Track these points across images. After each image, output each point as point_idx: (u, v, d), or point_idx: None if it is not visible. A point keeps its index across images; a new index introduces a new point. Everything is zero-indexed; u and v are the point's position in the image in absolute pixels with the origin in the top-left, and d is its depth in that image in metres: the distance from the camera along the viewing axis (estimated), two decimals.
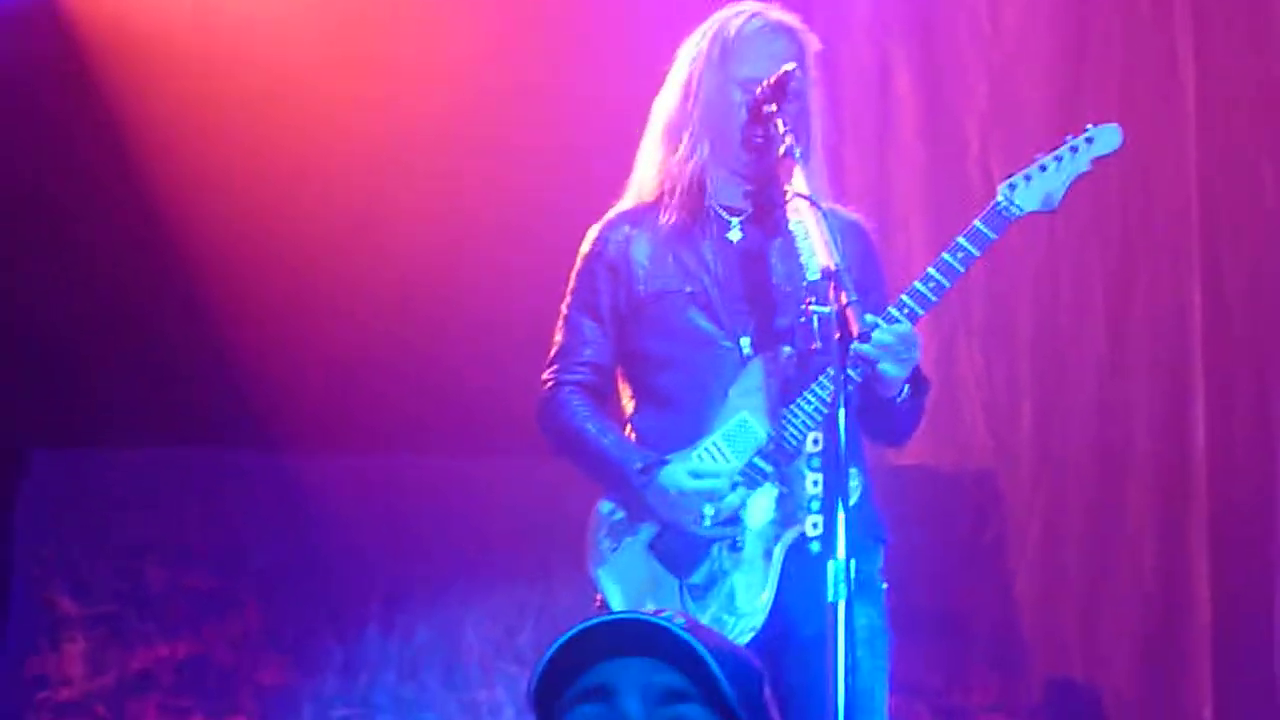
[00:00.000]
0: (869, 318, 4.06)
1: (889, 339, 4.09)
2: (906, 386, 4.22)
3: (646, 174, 4.52)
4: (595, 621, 2.28)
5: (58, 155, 6.49)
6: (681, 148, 4.46)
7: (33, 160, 6.45)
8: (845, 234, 4.31)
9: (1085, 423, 6.32)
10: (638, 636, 2.28)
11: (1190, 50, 6.27)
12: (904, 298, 4.21)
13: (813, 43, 4.45)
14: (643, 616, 2.29)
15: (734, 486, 4.35)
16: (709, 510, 4.31)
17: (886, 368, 4.13)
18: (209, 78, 6.46)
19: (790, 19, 4.44)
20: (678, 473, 4.33)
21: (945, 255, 4.23)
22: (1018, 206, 4.28)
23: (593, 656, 2.28)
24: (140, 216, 6.47)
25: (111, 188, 6.47)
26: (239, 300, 6.43)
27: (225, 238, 6.44)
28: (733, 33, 4.41)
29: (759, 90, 4.30)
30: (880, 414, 4.28)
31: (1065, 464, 6.31)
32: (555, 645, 2.26)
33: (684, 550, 4.35)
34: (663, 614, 2.29)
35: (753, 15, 4.43)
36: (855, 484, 4.04)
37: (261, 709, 6.09)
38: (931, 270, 4.22)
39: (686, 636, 2.25)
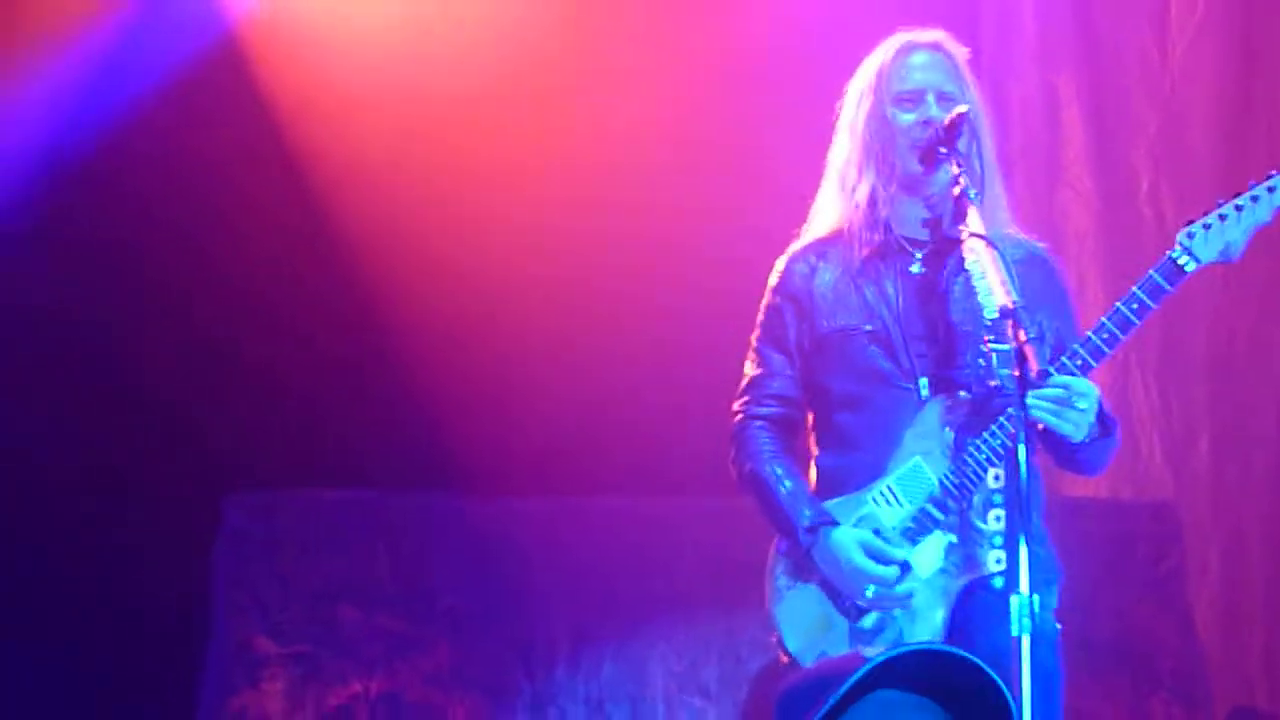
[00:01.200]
0: (1053, 374, 4.08)
1: (1059, 391, 4.05)
2: (1094, 427, 4.15)
3: (826, 210, 4.54)
4: (878, 660, 2.30)
5: (253, 217, 6.69)
6: (852, 175, 4.48)
7: (230, 221, 6.68)
8: (1026, 263, 4.30)
9: (1263, 454, 6.26)
10: (910, 673, 2.31)
11: None
12: (1077, 348, 4.16)
13: (959, 51, 4.47)
14: (918, 650, 2.37)
15: (904, 558, 4.29)
16: (870, 592, 4.28)
17: (1058, 424, 4.07)
18: (408, 137, 6.67)
19: (934, 34, 4.48)
20: (849, 543, 4.30)
21: (1120, 305, 4.16)
22: (1195, 258, 4.18)
23: (856, 688, 2.30)
24: (337, 272, 6.66)
25: (308, 244, 6.70)
26: (431, 348, 6.55)
27: (418, 289, 6.58)
28: (879, 59, 4.46)
29: (932, 130, 4.32)
30: (1069, 453, 4.24)
31: (1244, 495, 6.25)
32: (852, 680, 2.28)
33: None
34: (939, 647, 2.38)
35: (896, 40, 4.47)
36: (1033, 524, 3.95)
37: None
38: (1105, 320, 4.16)
39: (982, 673, 2.31)
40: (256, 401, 6.64)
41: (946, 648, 2.32)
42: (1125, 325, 4.16)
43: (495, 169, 6.61)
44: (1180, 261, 4.16)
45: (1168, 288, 4.16)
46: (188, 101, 6.63)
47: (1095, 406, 4.14)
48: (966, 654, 2.30)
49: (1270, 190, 4.18)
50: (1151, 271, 4.16)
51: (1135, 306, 4.16)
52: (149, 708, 6.38)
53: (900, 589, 4.25)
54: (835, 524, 4.30)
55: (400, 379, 6.62)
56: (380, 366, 6.68)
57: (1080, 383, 4.08)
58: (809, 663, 4.26)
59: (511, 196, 6.58)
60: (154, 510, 6.44)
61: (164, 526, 6.38)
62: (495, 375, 6.47)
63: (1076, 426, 4.08)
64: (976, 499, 4.25)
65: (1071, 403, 4.05)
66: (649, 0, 6.69)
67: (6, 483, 6.60)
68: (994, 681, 2.32)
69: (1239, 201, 4.18)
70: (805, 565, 4.37)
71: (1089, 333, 4.17)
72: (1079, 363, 4.14)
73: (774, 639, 4.40)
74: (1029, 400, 3.83)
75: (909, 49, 4.43)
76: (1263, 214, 4.18)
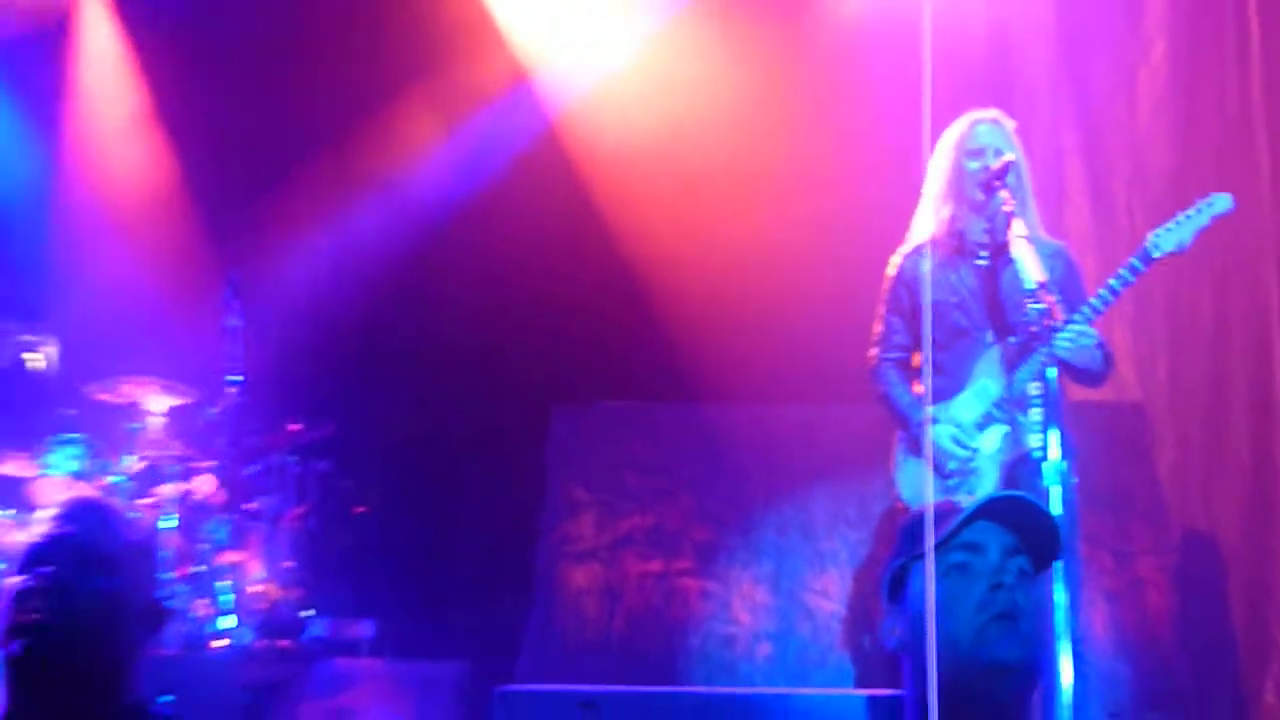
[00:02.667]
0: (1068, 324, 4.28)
1: (1073, 334, 4.24)
2: (1099, 359, 4.37)
3: (924, 224, 4.72)
4: (977, 504, 2.28)
5: (569, 233, 6.97)
6: (938, 202, 4.62)
7: (557, 234, 6.96)
8: (1054, 256, 4.52)
9: (1202, 372, 6.06)
10: (996, 511, 2.29)
11: (1264, 138, 5.89)
12: (1083, 307, 4.35)
13: (1009, 123, 4.64)
14: (1002, 496, 2.31)
15: (975, 445, 4.38)
16: (953, 464, 4.41)
17: (1072, 354, 4.23)
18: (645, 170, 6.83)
19: (992, 112, 4.65)
20: (942, 434, 4.45)
21: (1111, 280, 4.34)
22: (1159, 249, 4.29)
23: (965, 521, 2.29)
24: (624, 272, 6.83)
25: (593, 242, 6.88)
26: (682, 322, 6.62)
27: (672, 285, 6.67)
28: (958, 128, 4.64)
29: (989, 172, 4.41)
30: (1082, 374, 4.43)
31: (1190, 398, 6.11)
32: (962, 516, 2.27)
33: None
34: (1013, 496, 2.33)
35: (968, 116, 4.63)
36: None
37: (695, 555, 6.21)
38: (1102, 290, 4.36)
39: (1041, 511, 2.30)
40: (574, 351, 6.91)
41: (1018, 493, 2.26)
42: (1114, 293, 4.34)
43: (724, 201, 6.76)
44: (1150, 250, 4.30)
45: (1141, 268, 4.33)
46: (523, 174, 7.00)
47: (1095, 344, 4.37)
48: (1029, 496, 2.26)
49: (1209, 204, 4.33)
50: (1131, 258, 4.35)
51: (1120, 281, 4.32)
52: (510, 529, 6.61)
53: (972, 465, 4.41)
54: (934, 421, 4.53)
55: (657, 334, 6.77)
56: (639, 322, 6.85)
57: (1086, 328, 4.31)
58: (914, 507, 4.30)
59: (732, 211, 6.66)
60: (520, 413, 6.82)
61: (522, 423, 6.74)
62: (714, 326, 6.49)
63: (1083, 357, 4.32)
64: (1022, 403, 4.34)
65: (1080, 341, 4.28)
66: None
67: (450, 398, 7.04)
68: (1046, 512, 2.27)
69: (1188, 212, 4.32)
70: (915, 447, 4.60)
71: (1091, 298, 4.38)
72: (1085, 316, 4.31)
73: (895, 492, 4.65)
74: (1055, 340, 3.96)
75: (976, 122, 4.65)
76: (1203, 220, 4.32)
